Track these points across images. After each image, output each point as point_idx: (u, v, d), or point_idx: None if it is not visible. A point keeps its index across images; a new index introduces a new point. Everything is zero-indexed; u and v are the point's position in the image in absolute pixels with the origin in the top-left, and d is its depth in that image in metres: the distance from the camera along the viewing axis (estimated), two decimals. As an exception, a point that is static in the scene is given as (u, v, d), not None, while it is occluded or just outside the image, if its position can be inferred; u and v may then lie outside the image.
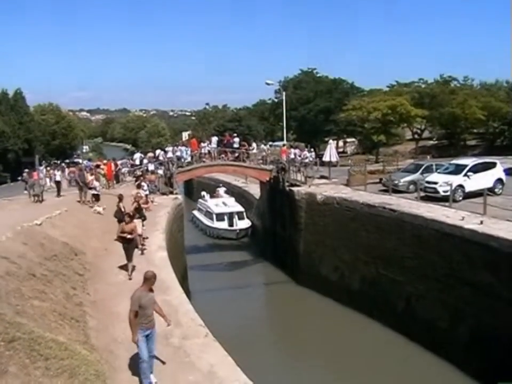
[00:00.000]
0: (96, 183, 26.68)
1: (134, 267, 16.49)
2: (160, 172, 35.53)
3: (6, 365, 7.91)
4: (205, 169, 39.30)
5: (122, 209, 20.13)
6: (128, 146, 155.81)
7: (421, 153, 55.45)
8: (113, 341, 11.68)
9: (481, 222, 21.09)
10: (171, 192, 33.13)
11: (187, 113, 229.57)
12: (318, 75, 72.78)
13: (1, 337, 8.45)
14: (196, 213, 51.81)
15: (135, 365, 10.27)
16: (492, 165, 28.20)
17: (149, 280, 9.93)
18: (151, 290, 10.02)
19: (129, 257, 16.56)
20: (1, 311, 9.58)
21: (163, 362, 10.48)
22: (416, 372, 20.27)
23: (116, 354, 10.98)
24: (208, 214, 47.45)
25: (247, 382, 9.97)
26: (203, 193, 52.88)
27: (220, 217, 45.60)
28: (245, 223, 45.04)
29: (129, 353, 10.81)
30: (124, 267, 16.64)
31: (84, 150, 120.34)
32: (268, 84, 48.76)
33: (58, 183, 30.48)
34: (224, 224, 45.18)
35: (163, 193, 32.77)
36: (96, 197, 26.09)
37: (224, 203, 47.03)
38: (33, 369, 8.14)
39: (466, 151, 53.66)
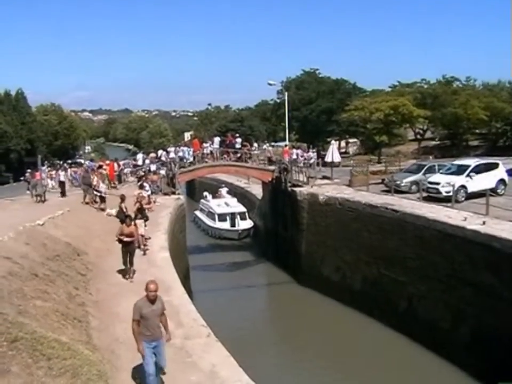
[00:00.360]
0: (102, 185, 26.62)
1: (134, 271, 16.36)
2: (162, 172, 35.55)
3: (9, 365, 7.94)
4: (207, 170, 39.36)
5: (124, 210, 20.16)
6: (130, 147, 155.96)
7: (423, 153, 55.44)
8: (115, 340, 11.69)
9: (484, 223, 21.09)
10: (173, 193, 33.19)
11: (189, 114, 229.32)
12: (320, 75, 72.74)
13: (4, 337, 8.47)
14: (198, 213, 51.81)
15: (137, 364, 10.30)
16: (494, 166, 28.18)
17: (147, 291, 9.57)
18: (154, 301, 9.62)
19: (126, 261, 16.27)
20: (4, 311, 9.61)
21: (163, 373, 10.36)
22: (417, 372, 20.29)
23: (118, 354, 10.99)
24: (210, 215, 47.45)
25: (249, 382, 9.99)
26: (205, 193, 52.86)
27: (222, 217, 45.56)
28: (247, 224, 45.02)
29: (131, 353, 10.81)
30: (125, 269, 16.57)
31: (86, 150, 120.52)
32: (270, 84, 48.70)
33: (62, 183, 30.61)
34: (226, 225, 45.16)
35: (165, 194, 32.78)
36: (102, 199, 26.01)
37: (226, 203, 47.02)
38: (36, 369, 8.16)
39: (468, 152, 53.61)
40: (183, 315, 13.30)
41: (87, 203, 26.10)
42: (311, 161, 39.02)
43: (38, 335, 9.11)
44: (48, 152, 79.19)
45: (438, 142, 63.75)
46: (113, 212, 24.25)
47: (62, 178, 31.26)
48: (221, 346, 11.42)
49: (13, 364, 8.00)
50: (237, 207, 46.50)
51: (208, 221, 47.50)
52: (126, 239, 16.00)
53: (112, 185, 33.02)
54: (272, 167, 37.74)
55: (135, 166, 40.53)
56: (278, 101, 72.92)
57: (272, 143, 73.11)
